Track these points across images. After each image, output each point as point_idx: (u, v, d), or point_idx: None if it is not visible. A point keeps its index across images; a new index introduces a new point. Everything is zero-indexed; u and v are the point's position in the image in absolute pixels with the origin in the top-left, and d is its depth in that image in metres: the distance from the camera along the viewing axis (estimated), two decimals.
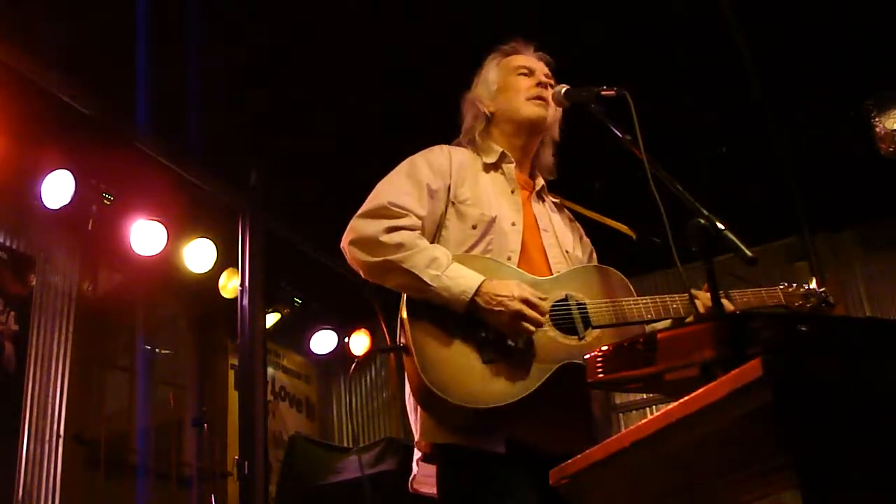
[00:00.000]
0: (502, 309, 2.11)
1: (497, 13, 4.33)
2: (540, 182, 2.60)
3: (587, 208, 2.67)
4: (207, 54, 4.50)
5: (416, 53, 4.60)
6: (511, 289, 2.14)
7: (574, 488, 1.54)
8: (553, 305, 2.22)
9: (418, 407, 2.24)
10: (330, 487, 5.15)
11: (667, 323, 2.37)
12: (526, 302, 2.12)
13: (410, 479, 2.32)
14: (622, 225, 2.59)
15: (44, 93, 4.52)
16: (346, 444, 7.65)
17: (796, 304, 2.43)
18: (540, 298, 2.17)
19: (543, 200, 2.59)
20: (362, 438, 7.90)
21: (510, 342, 2.14)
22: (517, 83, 2.56)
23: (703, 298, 2.22)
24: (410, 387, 2.21)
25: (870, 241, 6.34)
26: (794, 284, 2.47)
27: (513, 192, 2.48)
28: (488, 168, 2.51)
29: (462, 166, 2.48)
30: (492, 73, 2.63)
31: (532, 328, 2.12)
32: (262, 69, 4.78)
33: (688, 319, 2.27)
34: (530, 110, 2.52)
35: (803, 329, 1.21)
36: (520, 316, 2.11)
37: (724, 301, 2.27)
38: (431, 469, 2.23)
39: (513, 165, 2.52)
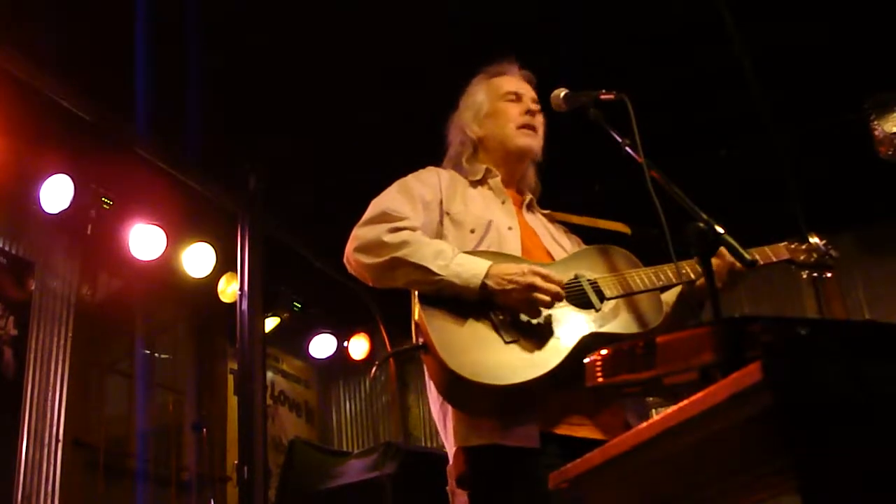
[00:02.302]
0: (514, 286, 2.11)
1: (497, 15, 4.34)
2: (528, 196, 2.62)
3: (581, 213, 2.68)
4: (206, 59, 4.50)
5: (417, 55, 4.60)
6: (521, 266, 2.15)
7: (574, 492, 1.53)
8: (566, 285, 2.22)
9: (448, 412, 2.23)
10: (329, 492, 5.14)
11: (678, 290, 2.39)
12: (538, 274, 2.12)
13: (450, 493, 2.30)
14: (616, 223, 2.59)
15: (43, 97, 4.52)
16: (345, 449, 7.65)
17: (801, 257, 2.47)
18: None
19: (534, 213, 2.61)
20: (362, 443, 7.89)
21: (528, 319, 2.13)
22: (506, 110, 2.58)
23: (722, 255, 2.24)
24: (435, 385, 2.19)
25: (869, 245, 6.34)
26: (796, 243, 2.50)
27: (503, 202, 2.51)
28: (475, 184, 2.54)
29: (452, 182, 2.51)
30: (479, 96, 2.65)
31: (548, 299, 2.11)
32: (262, 73, 4.78)
33: (699, 282, 2.29)
34: (521, 141, 2.56)
35: (803, 332, 1.20)
36: (533, 288, 2.10)
37: (733, 259, 2.29)
38: None
39: (498, 178, 2.55)
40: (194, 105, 4.70)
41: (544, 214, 2.64)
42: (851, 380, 1.15)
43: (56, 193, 4.97)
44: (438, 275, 2.16)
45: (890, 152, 5.05)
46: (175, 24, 4.29)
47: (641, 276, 2.26)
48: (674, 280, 2.27)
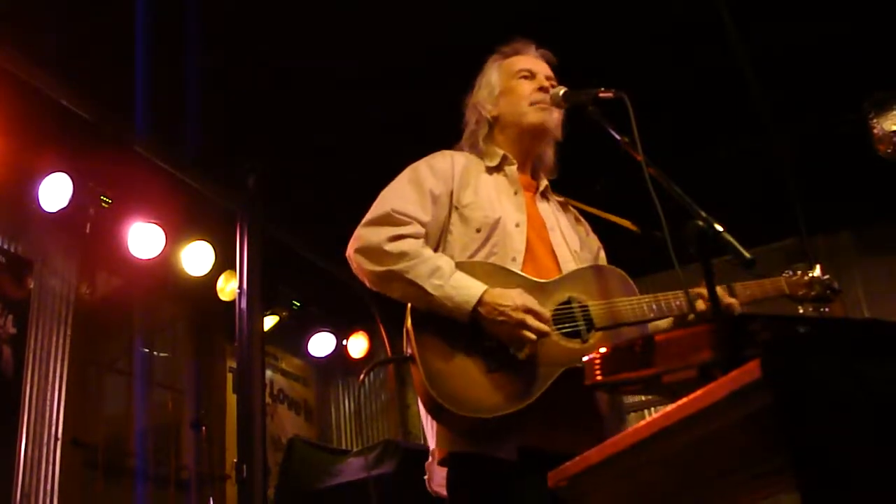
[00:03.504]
0: (505, 319, 2.11)
1: (496, 14, 4.33)
2: (544, 182, 2.61)
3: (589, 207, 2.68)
4: (206, 59, 4.50)
5: (416, 54, 4.60)
6: (513, 298, 2.13)
7: (573, 491, 1.53)
8: (556, 309, 2.22)
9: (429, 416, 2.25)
10: (329, 490, 5.14)
11: (670, 320, 2.36)
12: (529, 311, 2.11)
13: (427, 480, 2.33)
14: (625, 220, 2.58)
15: (42, 96, 4.51)
16: (344, 447, 7.65)
17: (800, 292, 2.41)
18: (541, 305, 2.16)
19: (548, 200, 2.59)
20: (361, 441, 7.89)
21: (513, 351, 2.14)
22: (520, 87, 2.57)
23: (704, 295, 2.21)
24: (420, 398, 2.21)
25: (868, 243, 6.33)
26: (799, 272, 2.44)
27: (516, 193, 2.49)
28: (490, 171, 2.53)
29: (465, 170, 2.49)
30: (493, 76, 2.64)
31: (534, 337, 2.11)
32: (261, 73, 4.78)
33: (690, 317, 2.26)
34: (534, 116, 2.53)
35: (802, 330, 1.20)
36: (522, 326, 2.10)
37: (733, 301, 2.27)
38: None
39: (514, 167, 2.53)
40: (193, 104, 4.70)
41: (559, 202, 2.63)
42: (850, 378, 1.15)
43: (55, 192, 4.96)
44: (432, 295, 2.17)
45: (889, 150, 5.04)
46: (175, 24, 4.29)
47: (634, 307, 2.25)
48: (666, 312, 2.26)
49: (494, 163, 2.53)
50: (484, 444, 2.13)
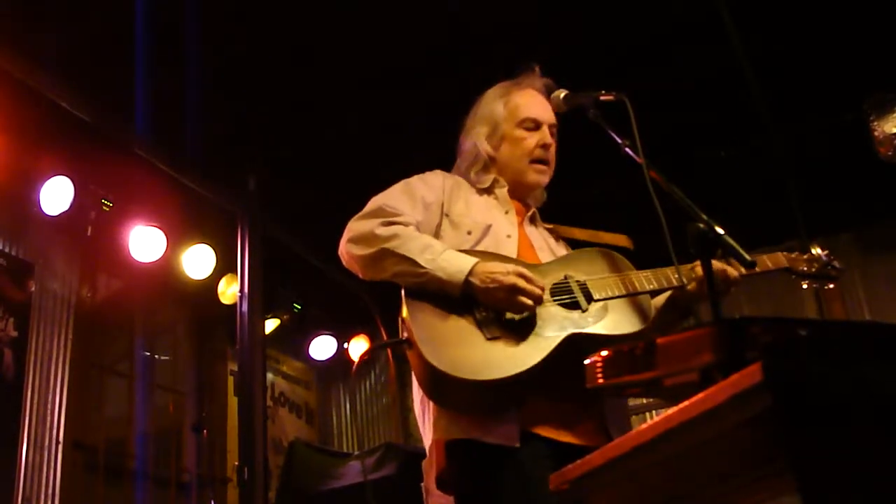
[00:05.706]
0: (497, 285, 2.12)
1: (497, 15, 4.34)
2: (532, 209, 2.62)
3: (583, 219, 2.66)
4: (206, 60, 4.50)
5: (416, 56, 4.60)
6: (505, 266, 2.16)
7: (574, 493, 1.53)
8: (553, 285, 2.23)
9: (429, 406, 2.23)
10: (330, 493, 5.15)
11: (668, 293, 2.37)
12: (521, 276, 2.12)
13: (424, 494, 2.30)
14: (618, 237, 2.57)
15: (43, 99, 4.52)
16: (345, 450, 7.65)
17: (800, 267, 2.43)
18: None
19: (536, 226, 2.61)
20: (362, 444, 7.89)
21: (511, 317, 2.13)
22: (522, 140, 2.53)
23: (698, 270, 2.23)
24: (418, 380, 2.20)
25: (868, 245, 6.33)
26: (797, 252, 2.45)
27: (507, 213, 2.50)
28: (481, 192, 2.54)
29: (456, 187, 2.51)
30: (497, 110, 2.57)
31: (530, 302, 2.12)
32: (261, 74, 4.78)
33: (689, 286, 2.27)
34: (533, 178, 2.54)
35: (802, 333, 1.20)
36: (516, 290, 2.11)
37: (729, 267, 2.27)
38: (448, 499, 2.19)
39: (505, 189, 2.54)
40: (194, 106, 4.70)
41: (548, 229, 2.63)
42: (851, 380, 1.15)
43: (56, 195, 4.96)
44: (424, 268, 2.17)
45: (890, 153, 5.05)
46: (175, 24, 4.29)
47: (631, 279, 2.26)
48: (665, 284, 2.27)
49: (485, 186, 2.54)
50: (483, 427, 2.10)
